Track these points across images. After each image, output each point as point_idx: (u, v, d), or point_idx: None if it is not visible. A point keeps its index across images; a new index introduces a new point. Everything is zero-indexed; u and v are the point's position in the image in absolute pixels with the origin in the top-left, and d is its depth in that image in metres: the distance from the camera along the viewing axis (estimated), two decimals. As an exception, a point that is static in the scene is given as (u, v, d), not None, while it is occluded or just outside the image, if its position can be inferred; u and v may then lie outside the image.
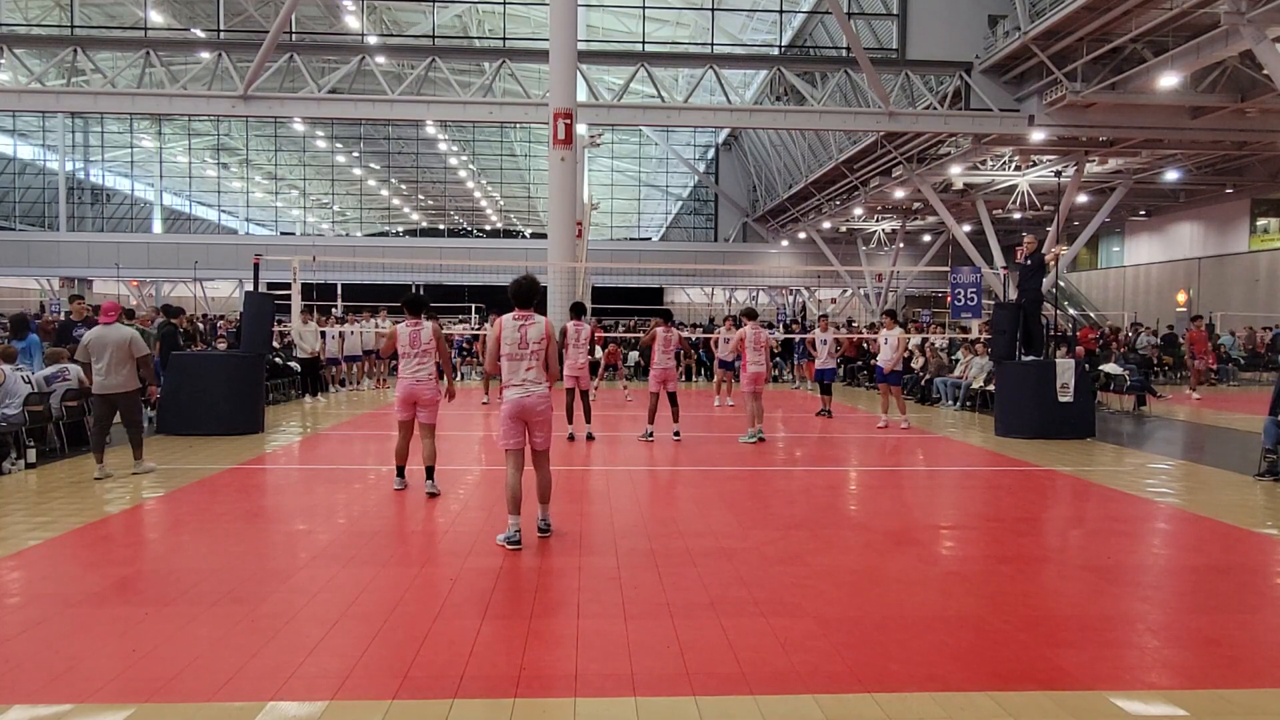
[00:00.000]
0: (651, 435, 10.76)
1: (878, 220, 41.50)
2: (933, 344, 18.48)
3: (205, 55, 27.77)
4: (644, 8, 27.83)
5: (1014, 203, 31.48)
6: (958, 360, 16.57)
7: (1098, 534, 6.31)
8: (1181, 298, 35.38)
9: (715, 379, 16.43)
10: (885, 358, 12.41)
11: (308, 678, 3.56)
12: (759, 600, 4.60)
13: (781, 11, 28.40)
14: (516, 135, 52.66)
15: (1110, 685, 3.59)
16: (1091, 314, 40.25)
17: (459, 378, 20.16)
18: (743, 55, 30.15)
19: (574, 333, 10.83)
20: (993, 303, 19.30)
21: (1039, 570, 5.31)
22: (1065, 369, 11.32)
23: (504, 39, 29.28)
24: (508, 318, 5.58)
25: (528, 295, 5.55)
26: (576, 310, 11.09)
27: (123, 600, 4.52)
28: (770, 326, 30.44)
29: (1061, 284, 38.73)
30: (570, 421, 10.86)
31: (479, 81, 25.07)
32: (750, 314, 11.40)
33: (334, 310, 24.56)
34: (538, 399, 5.55)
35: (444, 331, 14.17)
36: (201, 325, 23.73)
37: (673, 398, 10.94)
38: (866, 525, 6.47)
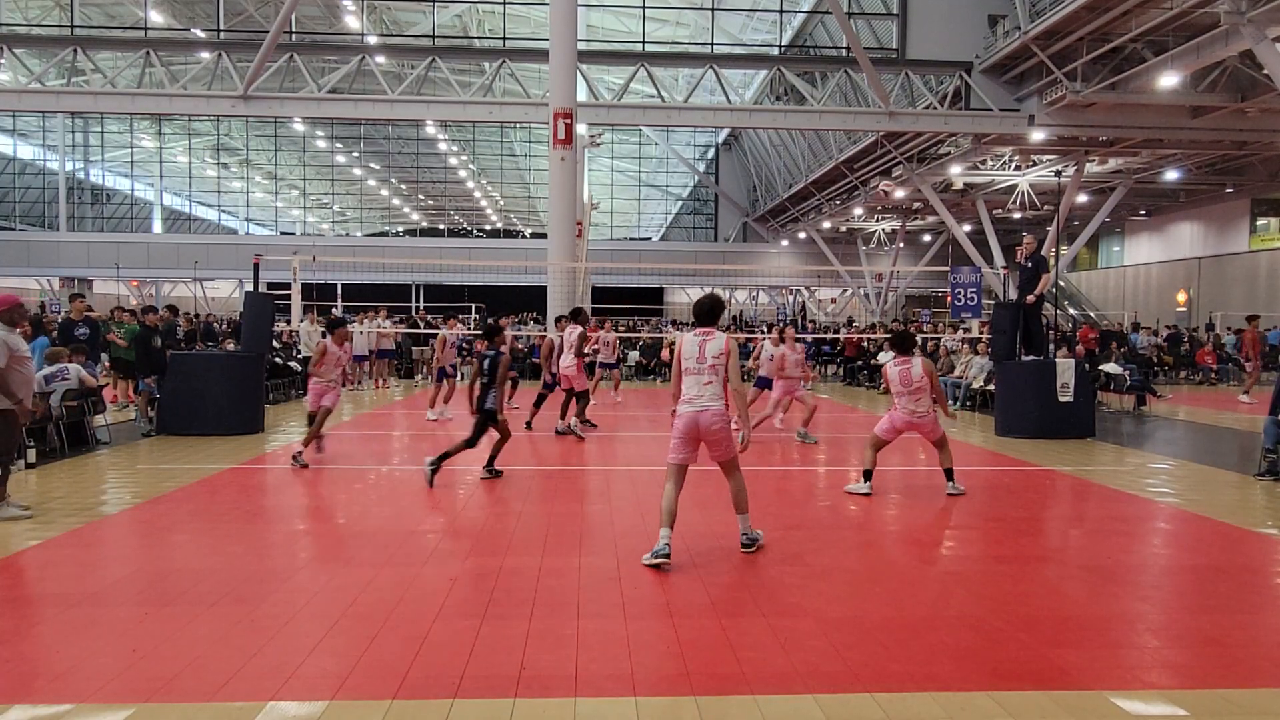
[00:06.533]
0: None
1: (878, 220, 41.49)
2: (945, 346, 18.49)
3: (205, 55, 27.78)
4: (644, 8, 27.81)
5: (1014, 203, 31.48)
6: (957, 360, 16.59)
7: (1098, 534, 6.31)
8: (1181, 298, 35.39)
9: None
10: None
11: (308, 678, 3.56)
12: (759, 600, 4.60)
13: (781, 11, 28.38)
14: (516, 135, 52.64)
15: (1110, 685, 3.59)
16: (1091, 314, 40.24)
17: (459, 378, 20.05)
18: (743, 55, 30.15)
19: (569, 336, 11.17)
20: (993, 302, 19.30)
21: (1039, 570, 5.30)
22: (1065, 369, 11.32)
23: (504, 39, 29.27)
24: (688, 334, 5.46)
25: (710, 313, 5.49)
26: (574, 314, 11.53)
27: (123, 600, 4.51)
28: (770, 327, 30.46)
29: (1061, 284, 38.68)
30: (535, 412, 11.51)
31: (479, 81, 25.08)
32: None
33: (334, 310, 24.57)
34: (713, 416, 5.25)
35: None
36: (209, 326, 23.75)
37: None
38: (866, 525, 6.48)
